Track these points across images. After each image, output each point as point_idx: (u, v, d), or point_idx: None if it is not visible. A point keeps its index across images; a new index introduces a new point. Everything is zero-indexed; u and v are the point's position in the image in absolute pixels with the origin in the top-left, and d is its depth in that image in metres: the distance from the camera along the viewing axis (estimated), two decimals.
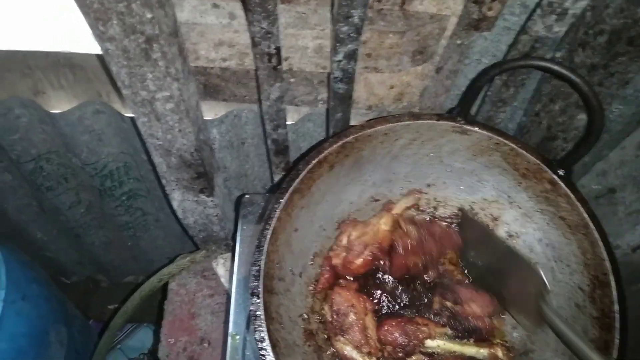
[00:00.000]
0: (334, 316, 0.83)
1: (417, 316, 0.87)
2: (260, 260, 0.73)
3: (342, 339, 0.82)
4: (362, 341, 0.81)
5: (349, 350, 0.82)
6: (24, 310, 1.17)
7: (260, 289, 0.72)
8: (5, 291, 1.10)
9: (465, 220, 0.97)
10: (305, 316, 0.84)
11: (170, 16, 0.69)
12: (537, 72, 0.91)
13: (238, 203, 1.08)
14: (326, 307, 0.86)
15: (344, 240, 0.89)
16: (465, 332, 0.87)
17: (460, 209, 0.97)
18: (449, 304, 0.86)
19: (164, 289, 1.28)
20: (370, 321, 0.83)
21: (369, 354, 0.82)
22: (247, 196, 1.07)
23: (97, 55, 0.91)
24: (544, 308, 0.76)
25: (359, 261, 0.87)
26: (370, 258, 0.88)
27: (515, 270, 0.84)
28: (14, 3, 0.81)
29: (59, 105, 1.02)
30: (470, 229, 0.95)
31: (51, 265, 1.74)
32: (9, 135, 1.09)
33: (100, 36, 0.65)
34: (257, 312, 0.70)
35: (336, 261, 0.88)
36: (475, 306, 0.85)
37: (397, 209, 0.94)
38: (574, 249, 0.82)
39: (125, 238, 1.58)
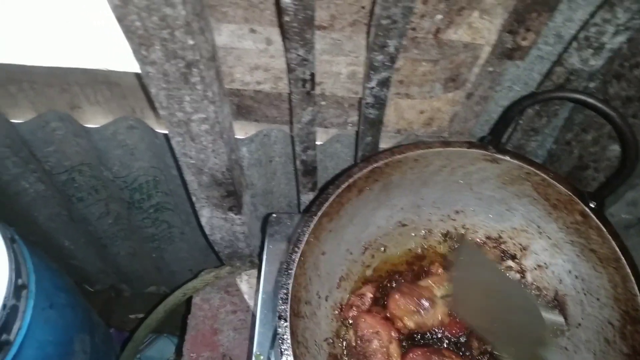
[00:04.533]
0: (358, 342, 0.83)
1: (444, 348, 0.86)
2: (288, 284, 0.74)
3: None
4: None
5: None
6: (51, 318, 1.19)
7: (288, 313, 0.72)
8: (34, 299, 1.12)
9: (465, 249, 0.92)
10: (331, 340, 0.84)
11: (209, 41, 0.71)
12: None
13: (265, 222, 1.09)
14: (351, 332, 0.86)
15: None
16: None
17: (462, 236, 0.93)
18: (489, 347, 0.85)
19: (187, 303, 1.29)
20: (395, 349, 0.82)
21: None
22: (274, 215, 1.08)
23: (134, 73, 0.93)
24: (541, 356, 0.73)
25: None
26: None
27: (516, 310, 0.81)
28: (58, 22, 0.84)
29: (94, 120, 1.05)
30: (471, 259, 0.91)
31: (76, 273, 1.78)
32: (45, 147, 1.12)
33: (142, 60, 0.66)
34: (284, 336, 0.70)
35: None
36: None
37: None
38: (605, 282, 0.81)
39: (150, 249, 1.60)
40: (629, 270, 0.76)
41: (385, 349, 0.81)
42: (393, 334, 0.84)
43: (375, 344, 0.82)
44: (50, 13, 0.84)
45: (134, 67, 0.86)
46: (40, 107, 1.04)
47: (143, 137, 1.10)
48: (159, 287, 1.99)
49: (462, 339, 0.89)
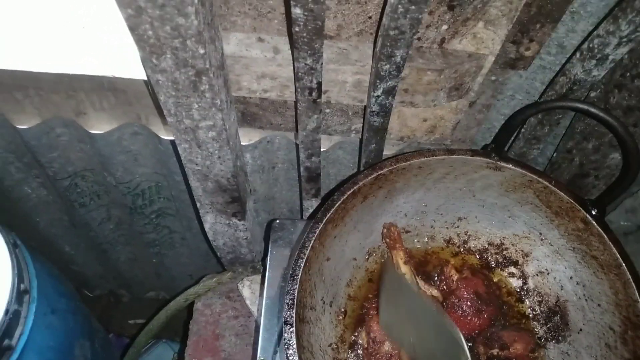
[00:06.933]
0: (370, 343, 0.84)
1: None
2: (294, 289, 0.75)
3: None
4: None
5: None
6: (52, 324, 1.19)
7: (294, 318, 0.72)
8: (36, 305, 1.12)
9: (389, 271, 0.87)
10: (335, 345, 0.85)
11: (219, 50, 0.72)
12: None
13: (269, 228, 1.10)
14: (363, 333, 0.86)
15: None
16: None
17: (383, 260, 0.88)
18: (495, 351, 0.86)
19: (188, 308, 1.30)
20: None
21: None
22: (277, 221, 1.08)
23: (140, 80, 0.94)
24: None
25: None
26: None
27: (438, 338, 0.78)
28: (65, 29, 0.85)
29: (99, 126, 1.05)
30: (394, 282, 0.86)
31: (76, 278, 1.77)
32: (49, 153, 1.12)
33: (152, 68, 0.67)
34: (290, 341, 0.71)
35: None
36: (519, 345, 0.86)
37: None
38: (606, 288, 0.82)
39: (151, 255, 1.60)
40: (629, 277, 0.77)
41: (396, 351, 0.82)
42: None
43: (387, 346, 0.82)
44: (57, 20, 0.84)
45: (141, 74, 0.88)
46: (46, 113, 1.04)
47: (147, 143, 1.11)
48: (158, 292, 1.99)
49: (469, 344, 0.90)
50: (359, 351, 0.87)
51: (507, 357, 0.86)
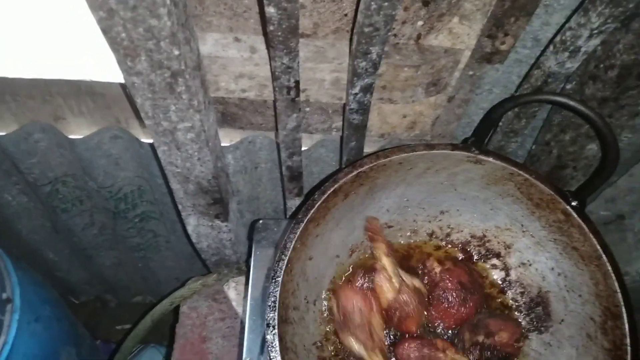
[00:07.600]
0: (340, 314, 0.84)
1: (439, 339, 0.87)
2: (275, 291, 0.74)
3: (350, 336, 0.82)
4: (368, 340, 0.81)
5: (356, 347, 0.82)
6: (37, 332, 1.18)
7: (276, 320, 0.72)
8: (19, 313, 1.11)
9: None
10: (319, 344, 0.85)
11: (194, 51, 0.71)
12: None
13: (252, 228, 1.10)
14: (334, 305, 0.86)
15: None
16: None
17: None
18: (480, 338, 0.86)
19: (175, 312, 1.29)
20: (377, 322, 0.83)
21: (374, 350, 0.82)
22: (261, 221, 1.08)
23: (118, 84, 0.93)
24: None
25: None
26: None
27: None
28: (40, 33, 0.84)
29: (78, 130, 1.04)
30: None
31: (61, 285, 1.76)
32: (28, 159, 1.11)
33: (127, 71, 0.67)
34: (273, 343, 0.71)
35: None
36: (505, 334, 0.86)
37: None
38: (587, 279, 0.83)
39: (136, 259, 1.59)
40: (609, 268, 0.78)
41: (366, 320, 0.82)
42: (375, 306, 0.85)
43: (356, 316, 0.82)
44: (32, 25, 0.83)
45: (118, 77, 0.87)
46: (23, 119, 1.03)
47: (127, 147, 1.10)
48: (145, 296, 1.98)
49: (454, 330, 0.91)
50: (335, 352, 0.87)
51: (492, 345, 0.87)
